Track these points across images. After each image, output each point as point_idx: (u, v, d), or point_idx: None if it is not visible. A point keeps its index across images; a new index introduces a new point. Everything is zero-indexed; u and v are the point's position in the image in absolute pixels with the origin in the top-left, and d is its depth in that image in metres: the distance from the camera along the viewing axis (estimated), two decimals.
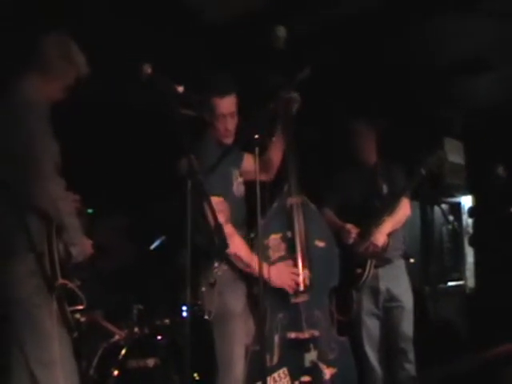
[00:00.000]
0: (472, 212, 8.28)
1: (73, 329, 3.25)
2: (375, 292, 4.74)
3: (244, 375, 3.65)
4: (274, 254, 3.80)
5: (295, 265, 3.84)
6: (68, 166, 3.26)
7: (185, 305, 4.61)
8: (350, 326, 4.70)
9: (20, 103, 3.21)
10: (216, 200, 3.48)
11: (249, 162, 3.95)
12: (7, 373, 3.35)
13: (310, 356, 3.81)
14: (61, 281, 3.14)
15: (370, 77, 5.84)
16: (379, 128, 4.91)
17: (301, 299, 3.85)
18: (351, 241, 4.66)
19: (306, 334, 3.80)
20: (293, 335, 3.79)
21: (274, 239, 3.82)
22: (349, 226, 4.69)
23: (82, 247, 3.29)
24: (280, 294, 3.80)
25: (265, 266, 3.54)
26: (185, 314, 4.71)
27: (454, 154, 7.40)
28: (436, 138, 6.95)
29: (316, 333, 3.83)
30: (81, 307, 3.24)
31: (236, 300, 3.69)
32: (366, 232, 4.64)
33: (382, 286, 4.73)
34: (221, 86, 3.69)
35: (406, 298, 4.78)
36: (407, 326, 4.73)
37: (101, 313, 4.60)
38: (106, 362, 4.45)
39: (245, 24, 4.96)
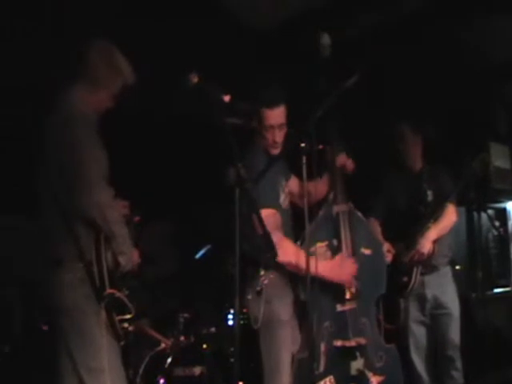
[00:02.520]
0: None
1: (121, 338, 3.26)
2: (422, 299, 4.70)
3: (290, 383, 3.62)
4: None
5: None
6: (116, 174, 3.28)
7: (230, 313, 4.63)
8: (397, 334, 4.66)
9: (68, 114, 3.25)
10: (269, 212, 3.50)
11: (294, 184, 4.00)
12: (58, 379, 3.39)
13: (357, 364, 3.78)
14: (109, 290, 3.16)
15: (415, 81, 5.79)
16: (425, 133, 4.85)
17: (347, 307, 3.83)
18: (388, 260, 4.56)
19: (352, 342, 3.78)
20: (339, 343, 3.76)
21: (320, 247, 3.79)
22: (387, 246, 4.60)
23: (130, 256, 3.30)
24: (326, 302, 3.78)
25: (322, 264, 3.57)
26: (231, 322, 4.71)
27: (500, 158, 7.27)
28: (482, 143, 6.86)
29: (363, 341, 3.81)
30: (129, 316, 3.25)
31: (283, 308, 3.67)
32: (411, 240, 4.59)
33: (429, 293, 4.68)
34: (271, 97, 3.67)
35: (453, 305, 4.72)
36: (454, 333, 4.68)
37: (147, 321, 4.63)
38: (153, 370, 4.48)
39: (291, 30, 4.96)
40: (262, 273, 3.59)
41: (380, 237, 4.66)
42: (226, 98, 3.07)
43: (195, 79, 3.10)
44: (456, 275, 4.91)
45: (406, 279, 4.61)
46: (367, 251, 3.97)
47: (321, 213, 3.87)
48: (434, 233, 4.58)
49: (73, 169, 3.16)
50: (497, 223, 7.99)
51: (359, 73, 3.36)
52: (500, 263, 8.18)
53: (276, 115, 3.67)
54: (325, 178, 4.07)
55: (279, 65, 5.10)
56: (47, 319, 4.16)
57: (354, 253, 3.89)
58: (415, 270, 4.60)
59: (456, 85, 6.08)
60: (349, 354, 3.79)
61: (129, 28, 4.29)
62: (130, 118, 4.56)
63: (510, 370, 6.08)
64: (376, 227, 4.76)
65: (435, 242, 4.59)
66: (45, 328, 4.29)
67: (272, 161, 3.62)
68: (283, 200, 3.77)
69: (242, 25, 4.94)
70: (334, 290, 3.81)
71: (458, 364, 4.67)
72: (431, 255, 4.58)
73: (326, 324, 3.77)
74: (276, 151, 3.74)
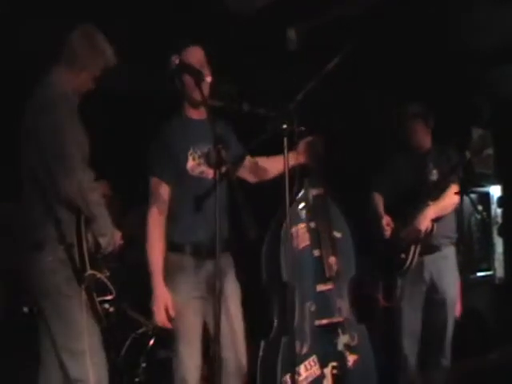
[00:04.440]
0: (501, 202, 8.20)
1: (102, 319, 3.27)
2: (419, 281, 4.64)
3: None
4: (300, 244, 3.82)
5: (321, 255, 3.87)
6: (99, 157, 3.28)
7: None
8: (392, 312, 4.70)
9: (49, 95, 3.24)
10: (153, 181, 3.52)
11: (246, 163, 3.89)
12: (39, 362, 3.40)
13: (343, 339, 3.83)
14: (90, 271, 3.16)
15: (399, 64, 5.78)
16: (434, 114, 4.81)
17: (327, 287, 3.88)
18: (387, 234, 4.62)
19: (339, 318, 3.84)
20: (324, 321, 3.81)
21: (301, 228, 3.84)
22: (386, 219, 4.66)
23: (111, 238, 3.30)
24: (307, 282, 3.81)
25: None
26: None
27: None
28: (464, 128, 6.88)
29: (343, 317, 3.88)
30: (110, 298, 3.25)
31: (176, 294, 3.50)
32: (410, 217, 4.58)
33: (427, 275, 4.62)
34: (183, 40, 3.55)
35: (450, 291, 4.66)
36: (447, 320, 4.62)
37: (129, 303, 4.62)
38: (135, 352, 4.48)
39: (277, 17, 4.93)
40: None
41: (381, 210, 4.75)
42: (208, 79, 3.05)
43: (176, 61, 3.08)
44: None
45: (403, 256, 4.58)
46: (338, 234, 4.00)
47: (299, 196, 3.89)
48: (432, 211, 4.54)
49: (53, 151, 3.15)
50: (480, 207, 8.05)
51: (340, 56, 3.34)
52: (482, 247, 8.25)
53: (194, 53, 3.51)
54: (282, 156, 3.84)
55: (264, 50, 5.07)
56: (29, 302, 4.14)
57: (331, 235, 3.92)
58: (413, 248, 4.55)
59: (439, 70, 6.08)
60: (332, 331, 3.83)
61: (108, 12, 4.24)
62: (116, 100, 4.52)
63: (491, 354, 6.13)
64: (379, 201, 4.81)
65: (434, 220, 4.55)
66: (26, 311, 4.27)
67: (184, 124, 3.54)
68: (193, 166, 3.55)
69: (227, 9, 4.89)
70: (315, 269, 3.85)
71: (447, 351, 4.63)
72: (429, 234, 4.54)
73: (308, 304, 3.81)
74: (198, 95, 3.37)
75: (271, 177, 3.88)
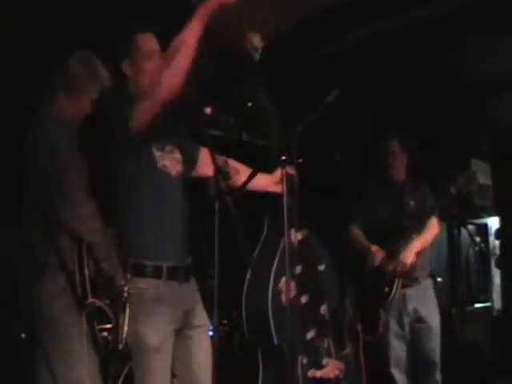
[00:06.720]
0: (499, 234, 8.22)
1: (101, 348, 3.26)
2: (402, 314, 4.73)
3: None
4: (287, 297, 3.26)
5: (308, 302, 3.61)
6: (99, 186, 3.29)
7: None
8: (376, 346, 4.72)
9: (49, 125, 3.27)
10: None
11: (205, 156, 3.32)
12: None
13: None
14: (91, 300, 3.15)
15: (399, 97, 5.84)
16: (412, 149, 4.95)
17: (315, 332, 3.69)
18: (377, 263, 4.70)
19: (340, 367, 3.70)
20: (318, 374, 3.59)
21: (287, 280, 3.28)
22: (374, 248, 4.74)
23: (114, 262, 3.29)
24: (298, 335, 3.32)
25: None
26: (210, 333, 4.70)
27: (482, 175, 7.36)
28: (463, 159, 6.93)
29: (341, 366, 3.73)
30: (109, 326, 3.24)
31: (152, 329, 2.98)
32: (394, 251, 4.64)
33: (410, 306, 4.71)
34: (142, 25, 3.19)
35: (433, 319, 4.74)
36: (434, 346, 4.70)
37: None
38: (132, 381, 4.45)
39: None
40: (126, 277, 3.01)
41: (365, 240, 4.85)
42: (207, 111, 3.05)
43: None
44: (436, 289, 4.93)
45: (387, 290, 4.65)
46: (321, 267, 3.88)
47: (280, 247, 3.57)
48: (417, 245, 4.63)
49: (54, 180, 3.17)
50: (477, 239, 8.07)
51: (339, 88, 3.37)
52: (480, 279, 8.27)
53: (148, 39, 3.14)
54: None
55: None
56: (26, 329, 4.13)
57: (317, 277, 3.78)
58: (396, 281, 4.63)
59: (440, 102, 6.14)
60: (328, 381, 3.67)
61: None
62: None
63: None
64: (359, 233, 4.93)
65: (418, 254, 4.63)
66: (23, 336, 4.25)
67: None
68: (156, 157, 3.07)
69: None
70: (304, 318, 3.53)
71: (438, 377, 4.69)
72: (413, 267, 4.63)
73: (301, 358, 3.47)
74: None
75: (239, 184, 3.26)
